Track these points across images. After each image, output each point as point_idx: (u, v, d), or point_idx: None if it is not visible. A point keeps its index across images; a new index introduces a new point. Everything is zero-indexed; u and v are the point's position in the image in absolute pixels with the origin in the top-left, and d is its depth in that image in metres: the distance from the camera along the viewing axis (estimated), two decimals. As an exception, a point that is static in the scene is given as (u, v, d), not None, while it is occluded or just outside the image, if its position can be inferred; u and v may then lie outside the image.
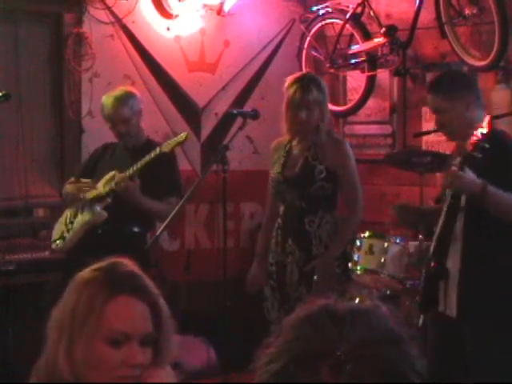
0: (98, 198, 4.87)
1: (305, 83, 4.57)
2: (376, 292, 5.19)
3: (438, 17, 5.60)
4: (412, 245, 4.77)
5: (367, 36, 6.07)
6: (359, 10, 6.06)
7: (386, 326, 1.11)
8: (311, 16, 6.40)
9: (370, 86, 6.20)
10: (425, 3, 5.71)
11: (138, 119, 4.97)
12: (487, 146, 3.62)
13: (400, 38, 5.84)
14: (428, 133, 5.70)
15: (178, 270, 5.74)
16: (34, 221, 5.85)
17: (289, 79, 4.64)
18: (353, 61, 6.19)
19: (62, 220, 5.03)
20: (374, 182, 6.37)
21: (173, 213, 4.50)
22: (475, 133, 3.68)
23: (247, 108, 6.01)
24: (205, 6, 6.37)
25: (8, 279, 5.25)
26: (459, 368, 3.87)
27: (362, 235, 4.90)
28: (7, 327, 5.30)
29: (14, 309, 5.34)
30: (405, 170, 5.51)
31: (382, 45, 5.96)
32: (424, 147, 5.98)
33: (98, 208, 4.86)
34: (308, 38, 6.42)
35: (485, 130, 3.69)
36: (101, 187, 4.88)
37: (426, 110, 6.06)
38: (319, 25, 6.38)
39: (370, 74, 6.13)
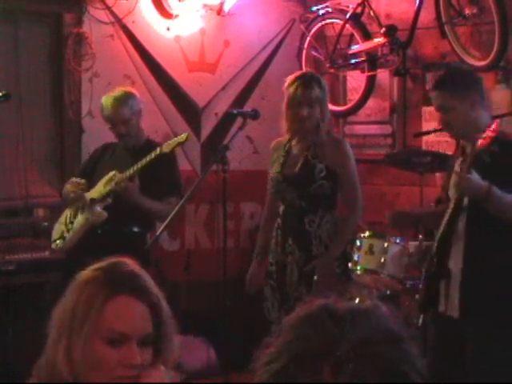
0: (98, 198, 4.87)
1: (306, 80, 4.58)
2: (376, 292, 5.19)
3: (438, 17, 5.60)
4: (412, 245, 4.77)
5: (367, 36, 6.07)
6: (359, 10, 6.06)
7: (386, 326, 1.11)
8: (311, 16, 6.40)
9: (370, 86, 6.20)
10: (425, 3, 5.71)
11: (137, 119, 4.97)
12: (497, 150, 3.60)
13: (400, 38, 5.84)
14: (428, 133, 5.71)
15: (178, 270, 5.75)
16: (33, 221, 5.84)
17: (289, 78, 4.64)
18: (353, 61, 6.19)
19: (61, 220, 5.03)
20: (374, 181, 6.37)
21: (173, 213, 4.50)
22: (483, 135, 3.66)
23: (247, 108, 6.01)
24: (205, 5, 6.37)
25: (8, 279, 5.25)
26: (459, 368, 3.87)
27: (362, 235, 4.90)
28: (7, 327, 5.30)
29: (14, 309, 5.34)
30: (405, 169, 5.51)
31: (382, 45, 5.96)
32: (424, 147, 5.98)
33: (98, 208, 4.86)
34: (308, 38, 6.42)
35: (493, 134, 3.67)
36: (101, 187, 4.88)
37: (425, 110, 6.07)
38: (319, 25, 6.38)
39: (369, 74, 6.13)
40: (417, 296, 4.28)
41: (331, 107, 5.37)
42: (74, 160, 5.87)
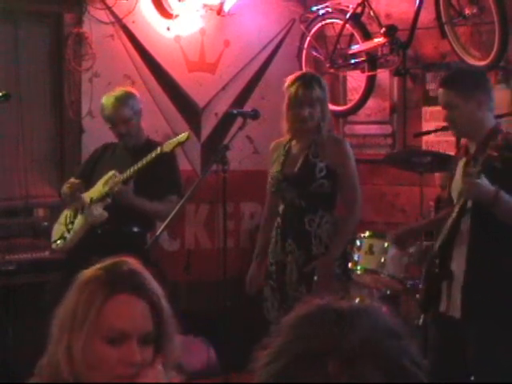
0: (98, 198, 4.87)
1: (307, 81, 4.58)
2: (376, 292, 5.20)
3: (438, 17, 5.60)
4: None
5: (367, 36, 6.07)
6: (359, 9, 6.07)
7: (386, 324, 1.12)
8: (311, 16, 6.40)
9: (370, 86, 6.20)
10: (425, 3, 5.71)
11: (138, 119, 4.98)
12: (510, 156, 3.57)
13: (400, 38, 5.84)
14: (428, 133, 5.71)
15: (178, 270, 5.74)
16: (33, 221, 5.84)
17: (289, 78, 4.64)
18: (353, 61, 6.19)
19: (61, 220, 5.03)
20: (374, 181, 6.37)
21: (173, 213, 4.50)
22: (495, 142, 3.62)
23: (247, 108, 6.01)
24: (205, 5, 6.37)
25: (8, 279, 5.25)
26: (460, 368, 3.87)
27: (362, 235, 4.90)
28: (7, 327, 5.30)
29: (14, 309, 5.34)
30: (405, 169, 5.51)
31: (382, 45, 5.96)
32: (424, 147, 5.98)
33: (98, 208, 4.86)
34: (308, 38, 6.42)
35: (505, 139, 3.63)
36: (100, 187, 4.88)
37: (426, 110, 6.07)
38: (319, 25, 6.38)
39: (370, 74, 6.13)
40: (417, 296, 4.27)
41: (331, 107, 5.37)
42: (74, 160, 5.88)
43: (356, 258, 4.83)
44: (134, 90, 5.10)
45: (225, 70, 6.55)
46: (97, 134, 5.61)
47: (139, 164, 4.71)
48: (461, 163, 3.95)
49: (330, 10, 6.28)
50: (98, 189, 4.90)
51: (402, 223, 5.82)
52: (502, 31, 5.25)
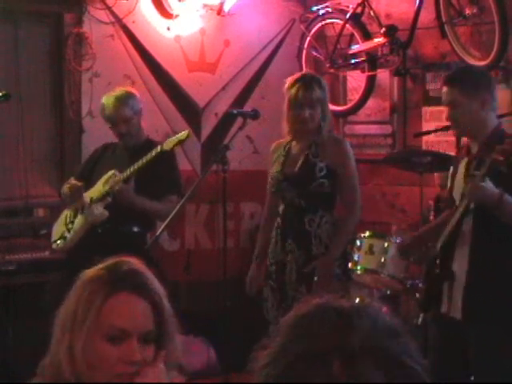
0: (98, 198, 4.87)
1: (307, 82, 4.57)
2: (376, 292, 5.20)
3: (438, 17, 5.60)
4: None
5: (367, 36, 6.07)
6: (359, 9, 6.06)
7: (386, 322, 1.12)
8: (311, 16, 6.40)
9: (370, 86, 6.20)
10: (425, 3, 5.71)
11: (138, 119, 4.98)
12: None
13: (400, 38, 5.84)
14: (428, 133, 5.70)
15: (178, 270, 5.75)
16: (34, 221, 5.85)
17: (289, 79, 4.64)
18: (353, 61, 6.19)
19: (61, 220, 5.03)
20: (374, 182, 6.37)
21: (173, 213, 4.50)
22: (501, 146, 3.60)
23: (247, 108, 6.00)
24: (205, 5, 6.37)
25: (8, 279, 5.25)
26: (460, 369, 3.86)
27: (362, 235, 4.90)
28: (7, 327, 5.30)
29: (14, 309, 5.33)
30: (405, 169, 5.51)
31: (382, 45, 5.96)
32: (424, 147, 5.98)
33: (98, 207, 4.86)
34: (308, 38, 6.42)
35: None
36: (100, 186, 4.88)
37: (426, 110, 6.07)
38: (319, 25, 6.38)
39: (370, 74, 6.13)
40: (417, 295, 4.27)
41: (331, 107, 5.37)
42: (74, 160, 5.87)
43: (356, 257, 4.83)
44: (134, 90, 5.10)
45: (225, 70, 6.55)
46: (97, 134, 5.61)
47: (139, 163, 4.71)
48: (463, 163, 3.94)
49: (330, 9, 6.28)
50: (98, 188, 4.89)
51: (401, 223, 5.83)
52: (502, 31, 5.25)
